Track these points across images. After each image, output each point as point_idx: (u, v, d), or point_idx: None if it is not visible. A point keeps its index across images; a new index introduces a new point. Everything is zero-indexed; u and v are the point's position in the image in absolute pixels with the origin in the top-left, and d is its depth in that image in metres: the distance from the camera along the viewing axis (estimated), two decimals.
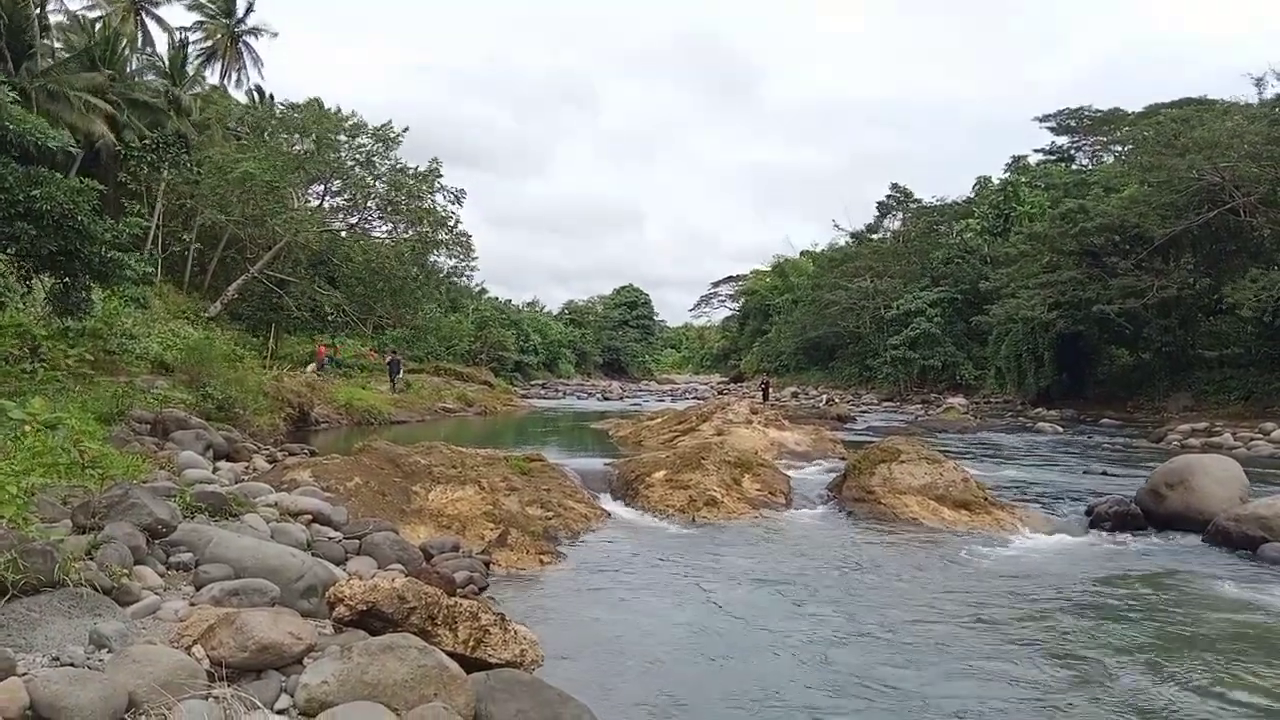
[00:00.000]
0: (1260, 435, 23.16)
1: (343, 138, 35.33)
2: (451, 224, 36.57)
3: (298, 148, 35.65)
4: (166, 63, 36.12)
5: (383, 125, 35.82)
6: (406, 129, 36.16)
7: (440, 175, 35.86)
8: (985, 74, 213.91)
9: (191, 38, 42.86)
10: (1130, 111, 49.64)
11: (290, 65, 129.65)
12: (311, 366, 28.00)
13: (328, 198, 37.85)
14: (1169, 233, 33.27)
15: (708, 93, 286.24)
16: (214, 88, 42.94)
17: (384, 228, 37.53)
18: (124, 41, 34.04)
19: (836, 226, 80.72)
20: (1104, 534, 10.95)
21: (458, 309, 46.43)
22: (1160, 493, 11.36)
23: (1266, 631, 6.89)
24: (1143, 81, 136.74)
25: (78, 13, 36.42)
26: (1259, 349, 31.72)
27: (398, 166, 35.65)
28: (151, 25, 42.25)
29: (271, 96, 44.50)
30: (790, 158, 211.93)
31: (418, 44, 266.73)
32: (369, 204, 36.32)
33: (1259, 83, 37.50)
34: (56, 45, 30.24)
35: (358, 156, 35.73)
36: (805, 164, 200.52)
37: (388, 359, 31.65)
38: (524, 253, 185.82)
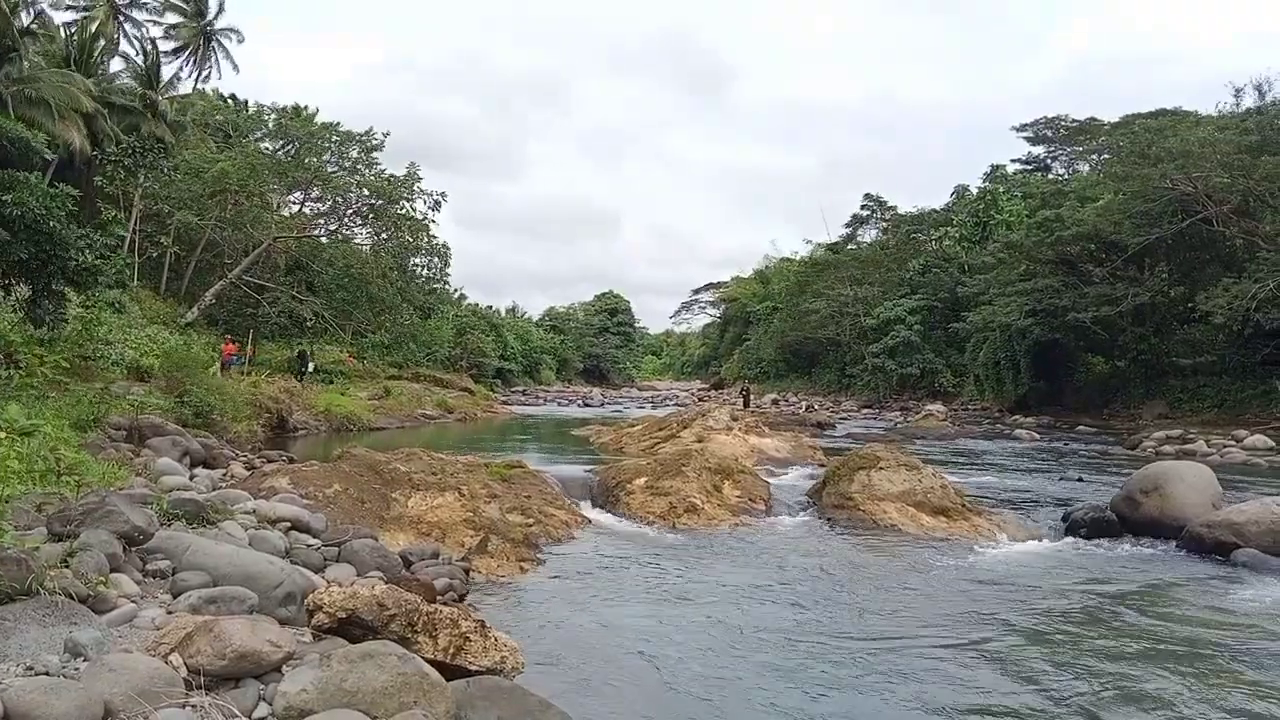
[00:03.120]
0: (1233, 442, 23.45)
1: (329, 142, 35.48)
2: (429, 233, 36.69)
3: (279, 152, 35.67)
4: (143, 65, 35.87)
5: (366, 132, 36.07)
6: (388, 134, 36.54)
7: (420, 180, 35.99)
8: (968, 76, 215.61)
9: (165, 38, 42.62)
10: (1106, 121, 50.22)
11: (254, 64, 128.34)
12: (214, 369, 26.03)
13: (308, 204, 37.85)
14: (1143, 241, 33.70)
15: (686, 92, 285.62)
16: (192, 93, 42.72)
17: (363, 233, 37.58)
18: (100, 44, 33.74)
19: (807, 242, 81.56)
20: (1080, 540, 11.06)
21: (435, 314, 46.27)
22: (1135, 499, 11.49)
23: (1238, 636, 6.98)
24: (1124, 85, 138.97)
25: (52, 16, 36.16)
26: (1232, 357, 32.18)
27: (383, 174, 35.85)
28: (129, 28, 41.99)
29: (246, 102, 44.45)
30: (773, 159, 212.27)
31: (385, 42, 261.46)
32: (349, 209, 36.37)
33: (1238, 93, 37.55)
34: (33, 49, 29.88)
35: (342, 163, 35.82)
36: (788, 166, 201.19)
37: (296, 352, 30.51)
38: (501, 257, 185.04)
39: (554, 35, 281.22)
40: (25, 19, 29.61)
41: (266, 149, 39.61)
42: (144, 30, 41.36)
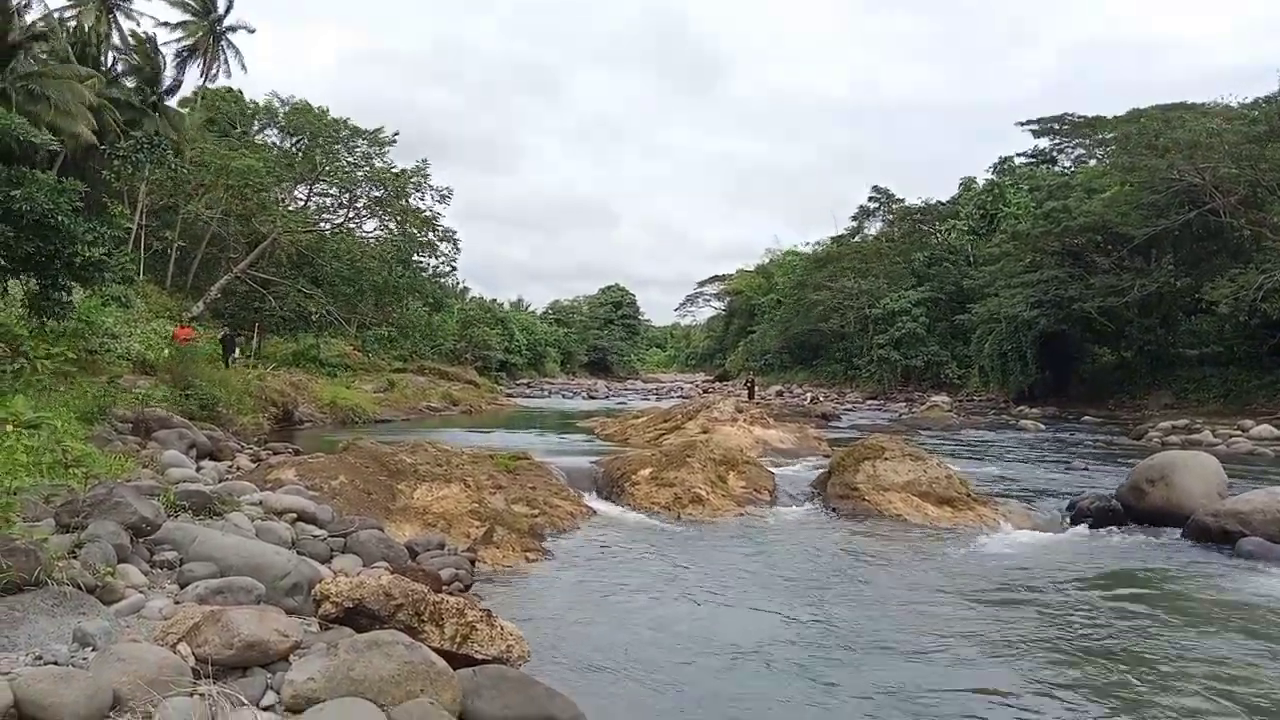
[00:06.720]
0: (1239, 432, 23.39)
1: (339, 136, 35.73)
2: (435, 224, 36.91)
3: (293, 147, 35.90)
4: (139, 60, 35.87)
5: (376, 130, 36.42)
6: (398, 133, 36.88)
7: (427, 175, 36.17)
8: (968, 66, 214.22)
9: (174, 36, 42.69)
10: (1112, 117, 49.89)
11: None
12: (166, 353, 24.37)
13: (314, 197, 38.00)
14: (1149, 232, 33.58)
15: (680, 82, 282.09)
16: (197, 89, 42.82)
17: (369, 226, 37.82)
18: (96, 40, 33.71)
19: (806, 244, 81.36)
20: (1086, 529, 11.06)
21: (441, 308, 46.33)
22: (1141, 489, 11.48)
23: (1244, 624, 6.97)
24: (1129, 75, 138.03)
25: (56, 12, 36.14)
26: (1238, 347, 32.11)
27: (392, 169, 36.12)
28: (129, 24, 41.94)
29: (241, 93, 44.57)
30: (770, 151, 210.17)
31: (369, 29, 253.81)
32: (357, 204, 36.60)
33: None
34: (39, 46, 29.87)
35: (350, 158, 36.06)
36: (786, 158, 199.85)
37: (220, 335, 28.16)
38: (496, 250, 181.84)
39: (542, 24, 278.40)
40: (32, 16, 29.68)
41: (273, 143, 39.74)
42: (138, 23, 41.36)
